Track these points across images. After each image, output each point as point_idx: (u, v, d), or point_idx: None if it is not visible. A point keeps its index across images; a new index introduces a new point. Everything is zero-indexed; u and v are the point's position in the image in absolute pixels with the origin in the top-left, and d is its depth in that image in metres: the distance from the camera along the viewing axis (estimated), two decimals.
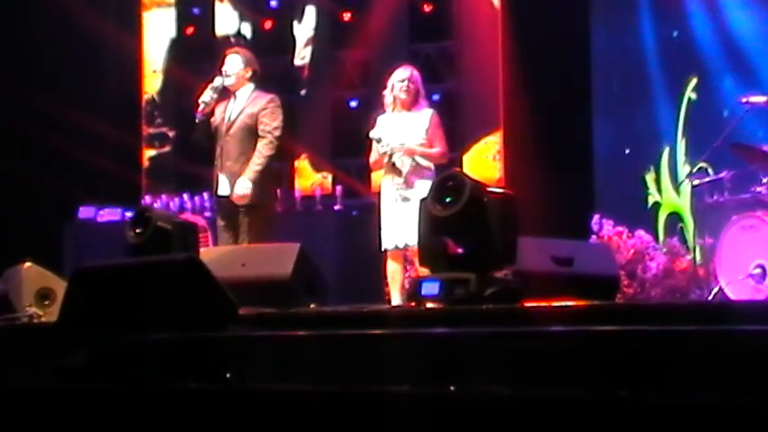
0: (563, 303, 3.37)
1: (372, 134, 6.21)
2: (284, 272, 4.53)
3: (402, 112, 6.24)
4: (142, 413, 2.77)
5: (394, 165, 6.11)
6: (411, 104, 6.22)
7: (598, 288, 4.13)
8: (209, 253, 4.87)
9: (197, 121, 6.12)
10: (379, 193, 6.35)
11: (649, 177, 8.25)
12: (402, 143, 6.09)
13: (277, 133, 6.04)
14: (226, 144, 6.06)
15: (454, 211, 3.55)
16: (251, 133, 6.05)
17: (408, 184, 6.08)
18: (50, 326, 3.95)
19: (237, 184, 5.95)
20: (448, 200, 3.58)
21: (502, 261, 3.59)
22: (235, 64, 6.16)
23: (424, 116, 6.23)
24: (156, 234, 4.46)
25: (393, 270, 6.08)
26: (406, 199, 6.00)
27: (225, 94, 6.17)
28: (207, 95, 6.06)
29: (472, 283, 3.47)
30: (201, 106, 6.06)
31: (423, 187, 5.93)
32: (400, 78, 6.23)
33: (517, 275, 3.77)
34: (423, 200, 3.73)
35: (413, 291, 3.72)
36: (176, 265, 3.39)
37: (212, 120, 6.12)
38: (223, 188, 6.07)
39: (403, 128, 6.20)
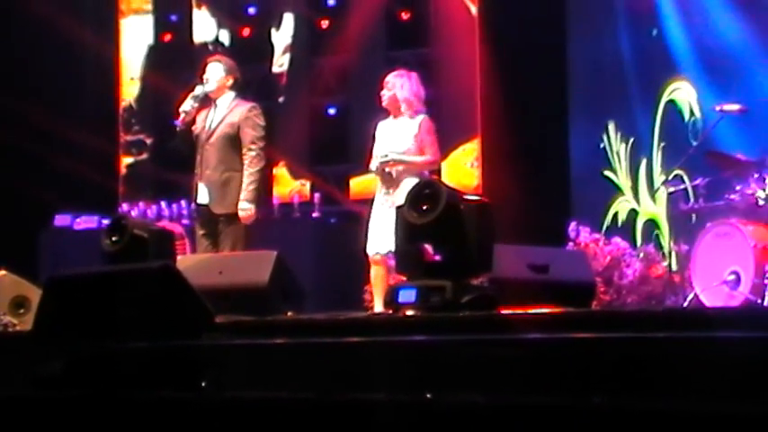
0: (539, 310, 3.38)
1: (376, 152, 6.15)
2: (261, 279, 4.52)
3: (397, 119, 6.16)
4: (117, 421, 2.76)
5: (387, 172, 6.06)
6: (396, 110, 6.13)
7: (574, 295, 4.15)
8: (185, 261, 4.85)
9: (177, 129, 6.10)
10: (372, 199, 6.29)
11: (624, 184, 8.30)
12: (386, 155, 6.03)
13: (262, 144, 6.03)
14: (205, 152, 6.03)
15: (431, 218, 3.56)
16: (231, 142, 6.02)
17: (396, 189, 5.98)
18: (25, 334, 3.93)
19: (240, 209, 5.90)
20: (424, 207, 3.58)
21: (478, 268, 3.61)
22: (216, 72, 6.13)
23: (415, 122, 6.13)
24: (133, 242, 4.44)
25: (375, 276, 6.04)
26: (393, 205, 5.96)
27: (206, 101, 6.14)
28: (187, 104, 6.03)
29: (448, 290, 3.48)
30: (182, 115, 6.03)
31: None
32: (384, 84, 6.17)
33: (493, 282, 3.78)
34: (399, 207, 3.73)
35: (390, 298, 3.72)
36: (152, 273, 3.37)
37: (193, 128, 6.09)
38: (202, 197, 6.04)
39: (394, 135, 6.14)
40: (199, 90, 6.06)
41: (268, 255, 4.70)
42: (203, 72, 6.20)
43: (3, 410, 3.16)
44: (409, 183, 5.80)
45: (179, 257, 4.87)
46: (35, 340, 3.53)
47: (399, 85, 6.10)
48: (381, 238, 5.97)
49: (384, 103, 6.15)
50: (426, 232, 3.58)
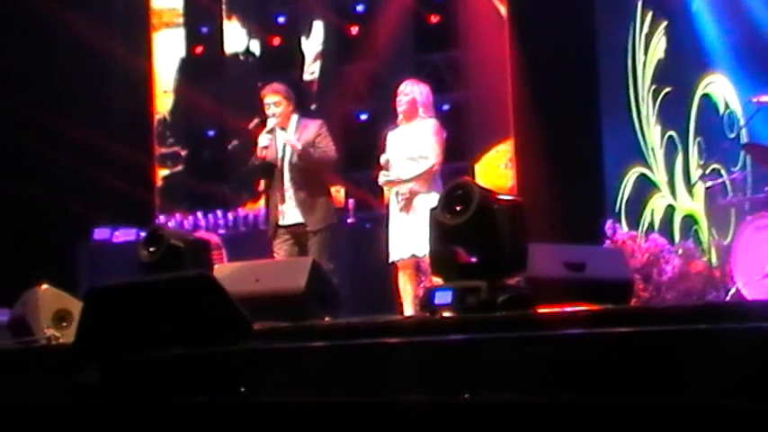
0: (576, 308, 3.37)
1: (382, 159, 6.30)
2: (297, 286, 4.54)
3: (406, 125, 6.34)
4: (156, 428, 2.78)
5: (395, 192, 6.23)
6: (410, 116, 6.31)
7: (612, 293, 4.12)
8: (222, 269, 4.88)
9: (256, 163, 6.39)
10: (387, 206, 6.40)
11: (661, 180, 8.24)
12: (388, 175, 6.18)
13: (333, 156, 6.41)
14: (287, 175, 6.30)
15: (464, 219, 3.56)
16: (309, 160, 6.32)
17: (412, 195, 6.14)
18: (67, 346, 3.97)
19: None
20: (457, 208, 3.58)
21: (513, 268, 3.59)
22: (279, 104, 6.39)
23: (425, 126, 6.30)
24: (169, 252, 4.48)
25: (403, 281, 6.15)
26: (409, 210, 6.05)
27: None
28: (264, 140, 6.32)
29: (483, 290, 3.47)
30: (263, 152, 6.31)
31: (426, 198, 6.01)
32: (399, 92, 6.37)
33: (529, 282, 3.76)
34: (432, 209, 3.74)
35: (425, 300, 3.72)
36: (188, 282, 3.40)
37: (264, 155, 6.36)
38: (290, 217, 6.30)
39: (405, 141, 6.31)
40: (271, 123, 6.35)
41: (304, 261, 4.72)
42: (262, 101, 6.47)
43: (46, 420, 3.20)
44: (424, 195, 6.07)
45: (216, 266, 4.90)
46: (76, 351, 3.57)
47: (418, 92, 6.33)
48: (402, 243, 6.09)
49: (402, 109, 6.32)
50: (460, 233, 3.58)
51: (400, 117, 6.36)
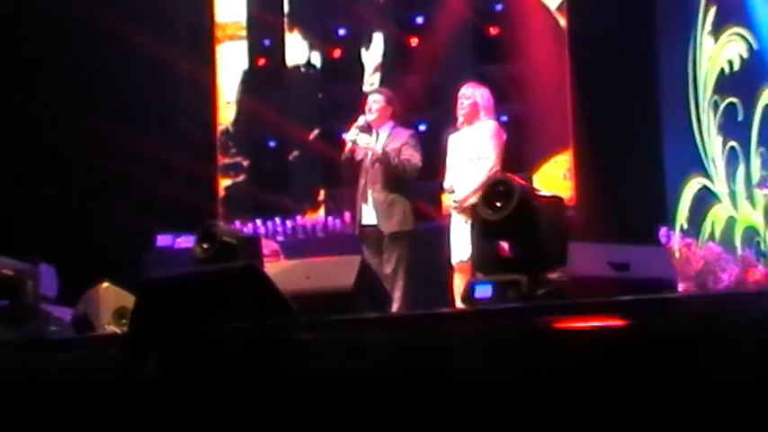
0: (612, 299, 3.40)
1: (445, 185, 6.44)
2: (346, 283, 4.62)
3: (467, 128, 6.45)
4: (212, 404, 2.90)
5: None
6: (471, 119, 6.42)
7: (655, 292, 4.12)
8: (275, 267, 4.99)
9: (343, 158, 6.53)
10: (449, 214, 6.53)
11: (723, 192, 8.17)
12: (455, 198, 6.29)
13: (419, 165, 6.47)
14: (369, 176, 6.44)
15: (504, 214, 3.62)
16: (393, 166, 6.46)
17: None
18: (122, 335, 4.12)
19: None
20: (498, 204, 3.65)
21: (552, 263, 3.64)
22: (377, 102, 6.57)
23: (485, 127, 6.40)
24: (222, 248, 4.62)
25: (458, 283, 6.21)
26: (469, 214, 6.13)
27: (368, 130, 6.56)
28: (352, 133, 6.48)
29: (523, 284, 3.52)
30: (349, 144, 6.46)
31: None
32: (460, 95, 6.48)
33: (571, 279, 3.80)
34: (474, 205, 3.80)
35: (466, 294, 3.79)
36: (236, 272, 3.52)
37: (355, 155, 6.50)
38: (368, 218, 6.43)
39: (465, 143, 6.42)
40: (361, 120, 6.51)
41: (354, 260, 4.81)
42: (365, 105, 6.63)
43: (104, 401, 3.32)
44: None
45: (269, 264, 5.02)
46: (130, 341, 3.71)
47: (480, 95, 6.44)
48: (461, 246, 6.17)
49: (463, 112, 6.42)
50: (501, 228, 3.64)
51: (461, 120, 6.47)
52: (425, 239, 8.78)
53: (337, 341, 2.89)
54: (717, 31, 8.27)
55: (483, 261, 3.76)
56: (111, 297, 5.62)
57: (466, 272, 6.19)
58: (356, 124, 6.50)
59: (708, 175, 8.29)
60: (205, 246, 4.71)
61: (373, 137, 6.52)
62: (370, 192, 6.43)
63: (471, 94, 6.43)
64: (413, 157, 6.46)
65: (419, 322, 3.04)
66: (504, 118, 9.15)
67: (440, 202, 9.21)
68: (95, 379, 3.55)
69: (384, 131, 6.56)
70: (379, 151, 6.43)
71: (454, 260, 6.30)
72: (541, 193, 3.67)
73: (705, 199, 8.28)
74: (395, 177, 6.43)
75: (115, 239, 8.90)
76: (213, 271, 3.69)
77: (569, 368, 2.49)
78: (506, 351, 2.60)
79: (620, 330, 2.53)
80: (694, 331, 2.50)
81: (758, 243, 7.74)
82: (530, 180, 8.99)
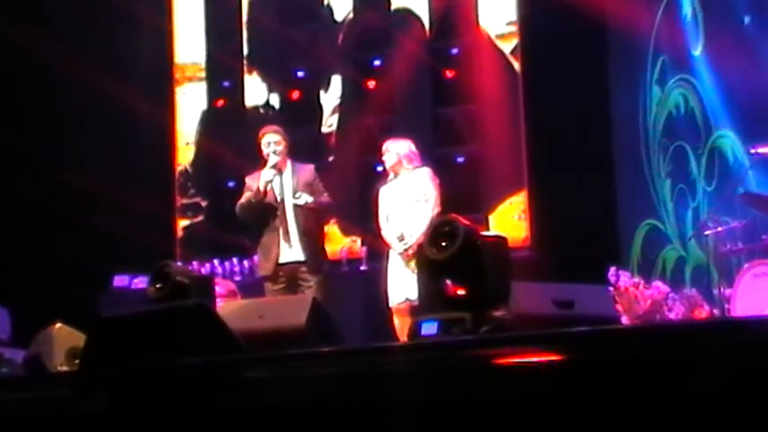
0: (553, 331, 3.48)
1: (396, 233, 6.53)
2: (299, 321, 4.68)
3: (397, 178, 6.69)
4: None
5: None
6: (397, 170, 6.68)
7: None
8: (227, 307, 5.04)
9: (255, 200, 6.46)
10: (387, 254, 6.62)
11: (673, 233, 8.32)
12: (406, 242, 6.39)
13: (331, 203, 6.62)
14: (286, 215, 6.41)
15: (449, 254, 3.71)
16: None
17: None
18: (72, 372, 4.14)
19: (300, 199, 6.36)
20: (443, 243, 3.74)
21: (496, 301, 3.73)
22: (279, 143, 6.54)
23: (420, 174, 6.64)
24: (175, 288, 4.66)
25: (399, 326, 6.32)
26: (408, 257, 6.31)
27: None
28: (269, 174, 6.44)
29: (468, 321, 3.61)
30: (267, 187, 6.42)
31: None
32: (382, 152, 6.80)
33: (515, 317, 3.90)
34: (420, 245, 3.90)
35: (413, 332, 3.87)
36: (186, 311, 3.57)
37: (267, 196, 6.46)
38: (287, 255, 6.38)
39: (402, 189, 6.63)
40: (273, 160, 6.46)
41: (305, 298, 4.88)
42: (260, 140, 6.60)
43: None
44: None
45: (222, 304, 5.07)
46: (79, 378, 3.74)
47: (399, 147, 6.71)
48: (397, 288, 6.36)
49: (389, 165, 6.69)
50: (446, 267, 3.73)
51: (390, 175, 6.71)
52: (375, 279, 8.88)
53: (283, 375, 2.95)
54: (664, 79, 8.49)
55: (429, 299, 3.84)
56: (64, 337, 5.60)
57: (404, 314, 6.31)
58: (270, 165, 6.42)
59: (659, 217, 8.46)
60: (158, 285, 4.75)
61: (277, 175, 6.48)
62: (294, 230, 6.37)
63: (391, 148, 6.69)
64: (326, 197, 6.54)
65: (366, 354, 3.10)
66: (460, 159, 9.33)
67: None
68: (42, 417, 3.57)
69: (287, 168, 6.54)
70: (289, 188, 6.43)
71: (392, 302, 6.42)
72: (485, 233, 3.77)
73: (657, 240, 8.43)
74: (310, 214, 6.43)
75: (73, 280, 8.87)
76: (162, 309, 3.74)
77: (506, 397, 2.57)
78: (447, 380, 2.68)
79: (554, 361, 2.61)
80: (628, 360, 2.59)
81: (707, 282, 7.89)
82: (486, 221, 9.12)
